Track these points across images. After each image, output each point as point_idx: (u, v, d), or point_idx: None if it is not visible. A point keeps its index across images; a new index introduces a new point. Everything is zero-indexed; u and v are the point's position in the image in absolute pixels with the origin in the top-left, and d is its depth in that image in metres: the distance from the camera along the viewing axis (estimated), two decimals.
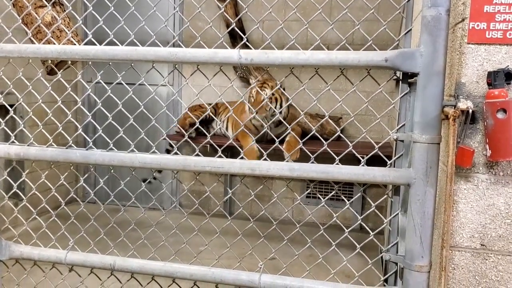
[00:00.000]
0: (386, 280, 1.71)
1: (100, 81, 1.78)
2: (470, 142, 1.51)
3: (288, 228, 1.84)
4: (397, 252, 1.65)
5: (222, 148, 1.74)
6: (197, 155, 1.70)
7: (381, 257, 1.71)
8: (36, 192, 1.98)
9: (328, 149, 1.63)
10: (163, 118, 4.99)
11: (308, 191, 1.85)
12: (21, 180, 1.99)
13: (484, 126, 1.46)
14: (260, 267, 1.72)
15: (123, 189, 1.95)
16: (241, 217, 1.87)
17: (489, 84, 1.46)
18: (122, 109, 1.78)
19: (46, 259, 1.87)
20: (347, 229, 1.70)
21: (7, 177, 1.95)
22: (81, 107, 1.84)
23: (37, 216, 1.98)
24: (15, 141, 1.86)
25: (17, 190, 1.95)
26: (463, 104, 1.43)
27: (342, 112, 4.26)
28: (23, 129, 1.89)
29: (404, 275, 1.55)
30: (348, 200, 5.14)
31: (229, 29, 4.49)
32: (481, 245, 1.53)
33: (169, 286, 1.81)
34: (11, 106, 1.92)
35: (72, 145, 1.80)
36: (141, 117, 1.86)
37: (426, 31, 1.42)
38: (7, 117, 1.97)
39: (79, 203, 1.99)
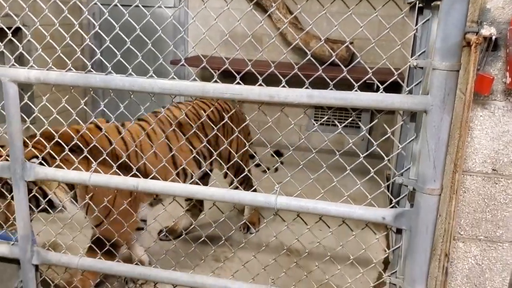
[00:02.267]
0: (397, 203, 1.78)
1: (117, 4, 1.76)
2: (490, 69, 1.52)
3: (297, 154, 1.89)
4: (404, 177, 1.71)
5: (240, 74, 1.75)
6: None
7: (388, 181, 1.78)
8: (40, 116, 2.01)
9: (348, 76, 1.64)
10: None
11: (318, 118, 1.88)
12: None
13: (506, 53, 1.46)
14: (276, 190, 1.79)
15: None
16: (256, 144, 1.91)
17: None
18: (141, 33, 1.76)
19: (70, 180, 1.95)
20: (353, 155, 1.75)
21: (28, 102, 1.98)
22: (99, 31, 1.83)
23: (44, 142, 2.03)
24: (33, 65, 1.87)
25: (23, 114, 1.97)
26: (487, 31, 1.42)
27: (354, 37, 4.19)
28: (41, 53, 1.89)
29: (416, 198, 1.62)
30: (356, 127, 5.22)
31: None
32: (493, 170, 1.58)
33: (189, 204, 1.89)
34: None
35: (92, 69, 1.81)
36: (158, 40, 1.84)
37: None
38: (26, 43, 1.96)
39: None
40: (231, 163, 2.30)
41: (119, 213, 2.20)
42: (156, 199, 2.74)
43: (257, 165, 3.51)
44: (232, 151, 2.91)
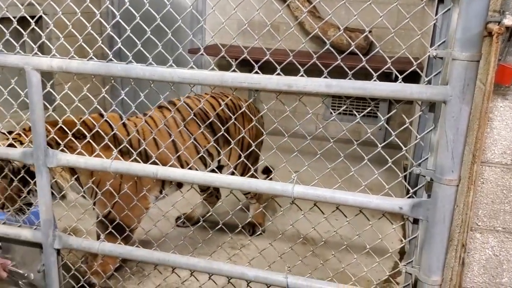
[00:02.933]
0: (414, 193, 1.78)
1: None
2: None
3: (314, 144, 1.90)
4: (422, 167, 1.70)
5: (259, 63, 1.76)
6: None
7: (405, 172, 1.77)
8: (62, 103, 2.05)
9: (366, 65, 1.64)
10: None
11: (335, 107, 1.88)
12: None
13: None
14: (294, 178, 1.81)
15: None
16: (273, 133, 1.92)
17: None
18: (160, 23, 1.78)
19: (91, 167, 1.99)
20: (370, 145, 1.75)
21: (50, 89, 2.02)
22: (120, 20, 1.85)
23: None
24: (56, 54, 1.90)
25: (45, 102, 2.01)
26: (509, 20, 1.41)
27: (373, 26, 4.16)
28: (64, 42, 1.92)
29: (433, 188, 1.62)
30: (374, 117, 5.20)
31: None
32: None
33: (208, 191, 1.91)
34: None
35: (112, 58, 1.84)
36: (176, 29, 1.86)
37: None
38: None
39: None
40: (239, 161, 2.30)
41: (126, 198, 2.24)
42: (162, 193, 2.75)
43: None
44: (237, 149, 2.89)
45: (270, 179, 3.39)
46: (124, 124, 2.61)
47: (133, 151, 2.05)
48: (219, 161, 2.94)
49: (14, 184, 2.28)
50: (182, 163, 2.65)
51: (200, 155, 2.53)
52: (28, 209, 2.41)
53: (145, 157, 2.40)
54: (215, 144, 2.66)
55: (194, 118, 2.62)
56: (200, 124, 2.62)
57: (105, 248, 2.11)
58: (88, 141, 2.06)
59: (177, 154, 2.52)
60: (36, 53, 1.93)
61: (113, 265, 2.64)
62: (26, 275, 2.24)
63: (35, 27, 1.98)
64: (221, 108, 2.80)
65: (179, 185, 2.80)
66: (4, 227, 2.21)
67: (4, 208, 2.31)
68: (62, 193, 2.40)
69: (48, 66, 1.88)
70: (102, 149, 2.03)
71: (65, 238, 2.14)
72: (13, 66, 1.93)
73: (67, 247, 2.15)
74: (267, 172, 3.57)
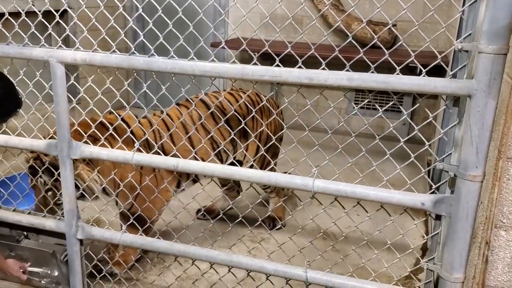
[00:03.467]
0: (437, 189, 1.75)
1: None
2: None
3: (335, 138, 1.88)
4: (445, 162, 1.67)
5: (280, 56, 1.75)
6: None
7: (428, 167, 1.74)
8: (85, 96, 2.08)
9: (390, 59, 1.62)
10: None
11: (358, 101, 1.86)
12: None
13: None
14: (314, 172, 1.80)
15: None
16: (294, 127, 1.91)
17: None
18: (183, 16, 1.79)
19: (114, 159, 2.02)
20: (393, 140, 1.72)
21: (74, 82, 2.05)
22: (142, 13, 1.87)
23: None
24: (80, 47, 1.93)
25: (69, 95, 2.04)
26: None
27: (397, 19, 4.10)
28: (88, 35, 1.95)
29: (456, 184, 1.60)
30: (397, 111, 5.12)
31: None
32: None
33: (229, 185, 1.92)
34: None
35: (135, 52, 1.85)
36: (198, 22, 1.86)
37: None
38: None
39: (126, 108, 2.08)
40: (256, 156, 2.28)
41: (147, 191, 2.26)
42: (179, 187, 2.76)
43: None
44: (257, 146, 2.88)
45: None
46: (140, 123, 2.62)
47: (154, 143, 2.07)
48: (235, 157, 2.94)
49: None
50: (198, 160, 2.66)
51: (216, 151, 2.53)
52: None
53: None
54: (232, 140, 2.66)
55: (211, 114, 2.63)
56: (217, 121, 2.62)
57: (126, 239, 2.14)
58: (109, 141, 2.09)
59: (194, 151, 2.53)
60: (60, 46, 1.96)
61: (134, 256, 2.68)
62: (49, 272, 2.28)
63: (60, 21, 2.01)
64: (238, 104, 2.77)
65: (195, 180, 2.81)
66: (30, 216, 2.26)
67: (54, 213, 2.36)
68: (88, 188, 2.44)
69: (72, 59, 1.91)
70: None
71: (88, 229, 2.17)
72: (38, 58, 1.96)
73: (90, 237, 2.19)
74: None
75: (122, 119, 2.29)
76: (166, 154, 2.10)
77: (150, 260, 2.47)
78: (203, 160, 2.11)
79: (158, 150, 2.04)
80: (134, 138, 2.12)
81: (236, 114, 2.40)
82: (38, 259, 2.30)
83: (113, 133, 2.10)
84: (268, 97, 2.23)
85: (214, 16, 5.49)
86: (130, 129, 2.23)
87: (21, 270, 2.24)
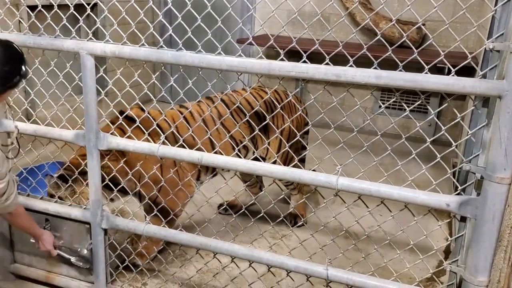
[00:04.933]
0: (463, 190, 1.73)
1: None
2: None
3: (360, 137, 1.87)
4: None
5: (307, 53, 1.75)
6: None
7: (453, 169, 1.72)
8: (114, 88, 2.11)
9: (418, 58, 1.60)
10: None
11: (384, 100, 1.84)
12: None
13: None
14: (338, 170, 1.79)
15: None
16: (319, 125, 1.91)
17: None
18: (211, 11, 1.80)
19: (140, 151, 2.05)
20: (418, 141, 1.70)
21: (103, 74, 2.08)
22: (172, 7, 1.88)
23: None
24: (109, 40, 1.96)
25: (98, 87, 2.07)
26: None
27: (426, 19, 4.04)
28: (117, 28, 1.98)
29: (483, 186, 1.57)
30: (424, 112, 5.06)
31: None
32: None
33: (251, 181, 1.92)
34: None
35: (163, 45, 1.87)
36: (225, 18, 1.87)
37: None
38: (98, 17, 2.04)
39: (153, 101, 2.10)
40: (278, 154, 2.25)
41: (170, 184, 2.29)
42: (199, 180, 2.77)
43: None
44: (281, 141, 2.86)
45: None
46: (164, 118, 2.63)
47: (180, 136, 2.09)
48: (254, 154, 2.93)
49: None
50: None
51: (235, 148, 2.52)
52: None
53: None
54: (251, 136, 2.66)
55: (231, 111, 2.63)
56: (234, 117, 2.62)
57: (150, 230, 2.17)
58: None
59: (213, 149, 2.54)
60: (90, 39, 1.99)
61: (157, 247, 2.71)
62: (79, 249, 2.32)
63: (91, 13, 2.05)
64: (258, 101, 2.75)
65: (214, 174, 2.82)
66: (56, 205, 2.31)
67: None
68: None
69: (102, 51, 1.95)
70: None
71: (112, 219, 2.21)
72: (69, 50, 2.01)
73: (114, 227, 2.23)
74: None
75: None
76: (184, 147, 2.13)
77: (172, 252, 2.50)
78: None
79: (183, 144, 2.06)
80: (160, 131, 2.15)
81: (254, 110, 2.39)
82: (72, 235, 2.34)
83: (140, 126, 2.13)
84: (291, 96, 2.23)
85: (241, 12, 5.49)
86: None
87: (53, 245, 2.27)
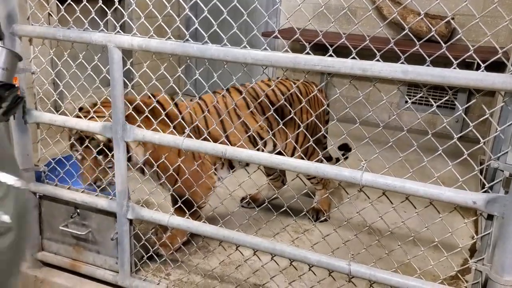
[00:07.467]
0: (490, 188, 1.70)
1: None
2: None
3: (386, 132, 1.85)
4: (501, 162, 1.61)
5: (333, 47, 1.73)
6: None
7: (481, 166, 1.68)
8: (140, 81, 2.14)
9: (447, 52, 1.57)
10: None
11: (411, 95, 1.82)
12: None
13: None
14: (363, 166, 1.78)
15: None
16: (344, 120, 1.90)
17: None
18: (237, 4, 1.80)
19: (166, 144, 2.07)
20: (444, 137, 1.67)
21: (130, 67, 2.11)
22: (198, 1, 1.89)
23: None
24: (137, 33, 1.98)
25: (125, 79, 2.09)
26: None
27: (455, 13, 3.96)
28: (144, 21, 2.00)
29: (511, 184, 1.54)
30: (451, 108, 4.97)
31: None
32: None
33: (274, 175, 1.92)
34: None
35: (189, 39, 1.88)
36: (250, 11, 1.87)
37: None
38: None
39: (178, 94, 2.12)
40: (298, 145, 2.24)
41: (192, 175, 2.31)
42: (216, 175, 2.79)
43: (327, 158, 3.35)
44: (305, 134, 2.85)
45: (344, 156, 3.32)
46: (177, 105, 2.65)
47: (203, 129, 2.10)
48: (274, 146, 2.92)
49: (100, 158, 2.37)
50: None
51: (256, 142, 2.52)
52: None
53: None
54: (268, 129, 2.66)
55: (245, 103, 2.63)
56: (253, 111, 2.62)
57: (174, 221, 2.20)
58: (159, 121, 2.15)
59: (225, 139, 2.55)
60: (118, 32, 2.02)
61: (181, 238, 2.74)
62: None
63: (118, 7, 2.07)
64: (275, 93, 2.72)
65: (232, 167, 2.83)
66: (83, 195, 2.36)
67: (97, 182, 2.41)
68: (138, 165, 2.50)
69: (129, 44, 1.97)
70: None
71: (137, 210, 2.25)
72: (97, 43, 2.04)
73: (139, 218, 2.27)
74: (343, 149, 3.43)
75: (158, 102, 2.35)
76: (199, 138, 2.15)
77: (196, 244, 2.52)
78: None
79: (207, 137, 2.07)
80: (183, 122, 2.17)
81: (270, 103, 2.38)
82: (99, 224, 2.39)
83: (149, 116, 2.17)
84: (315, 92, 2.22)
85: (266, 5, 5.48)
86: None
87: None
